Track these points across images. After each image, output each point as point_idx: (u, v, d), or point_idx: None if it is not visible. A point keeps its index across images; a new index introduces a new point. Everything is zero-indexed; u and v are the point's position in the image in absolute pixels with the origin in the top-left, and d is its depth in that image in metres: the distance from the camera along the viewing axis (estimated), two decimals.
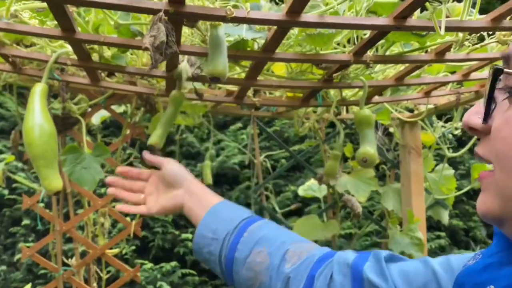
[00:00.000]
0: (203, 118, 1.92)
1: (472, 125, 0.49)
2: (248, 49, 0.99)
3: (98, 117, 2.04)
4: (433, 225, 3.90)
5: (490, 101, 0.47)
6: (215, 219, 0.88)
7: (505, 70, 0.45)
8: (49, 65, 0.94)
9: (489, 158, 0.48)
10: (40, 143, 0.88)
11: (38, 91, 0.90)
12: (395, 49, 1.09)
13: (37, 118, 0.88)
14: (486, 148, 0.48)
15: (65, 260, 1.94)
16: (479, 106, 0.49)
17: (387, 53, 1.06)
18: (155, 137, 1.07)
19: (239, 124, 3.92)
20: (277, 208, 2.26)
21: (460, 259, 0.62)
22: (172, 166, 1.00)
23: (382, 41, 1.03)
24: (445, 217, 2.12)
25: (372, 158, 1.14)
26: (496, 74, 0.45)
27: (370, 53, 1.02)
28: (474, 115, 0.49)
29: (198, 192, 0.96)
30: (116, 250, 2.07)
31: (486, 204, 0.47)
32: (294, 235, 0.85)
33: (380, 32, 0.88)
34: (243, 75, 1.21)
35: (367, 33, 0.97)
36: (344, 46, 1.07)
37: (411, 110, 1.89)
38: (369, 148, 1.14)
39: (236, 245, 0.82)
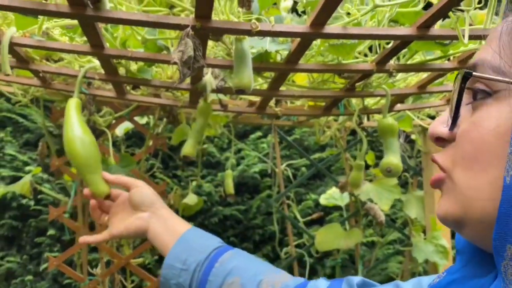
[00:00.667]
0: (224, 128, 1.94)
1: (439, 134, 0.49)
2: (271, 60, 1.01)
3: (121, 129, 2.08)
4: (455, 233, 3.84)
5: (459, 106, 0.47)
6: (184, 248, 0.83)
7: (474, 73, 0.45)
8: (79, 79, 0.97)
9: (447, 165, 0.48)
10: (82, 152, 0.92)
11: (73, 105, 0.94)
12: (417, 57, 1.10)
13: (76, 130, 0.92)
14: (446, 155, 0.49)
15: (90, 270, 1.97)
16: (444, 116, 0.50)
17: (409, 61, 1.07)
18: (188, 148, 1.09)
19: (259, 133, 3.94)
20: (299, 217, 2.26)
21: (431, 279, 0.63)
22: (140, 189, 0.93)
23: (404, 50, 1.04)
24: None
25: (396, 168, 1.14)
26: (466, 78, 0.46)
27: (392, 62, 1.03)
28: (440, 125, 0.50)
29: (166, 217, 0.90)
30: (140, 260, 2.10)
31: (445, 207, 0.48)
32: (266, 265, 0.82)
33: (403, 42, 0.89)
34: (265, 85, 1.22)
35: (390, 42, 0.98)
36: (366, 55, 1.08)
37: (433, 117, 1.88)
38: (393, 158, 1.14)
39: (207, 277, 0.79)
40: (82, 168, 0.93)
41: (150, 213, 0.90)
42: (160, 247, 0.87)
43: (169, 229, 0.88)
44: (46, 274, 3.65)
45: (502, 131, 0.43)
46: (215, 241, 0.87)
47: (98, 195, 0.95)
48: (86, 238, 0.98)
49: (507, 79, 0.43)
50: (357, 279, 0.72)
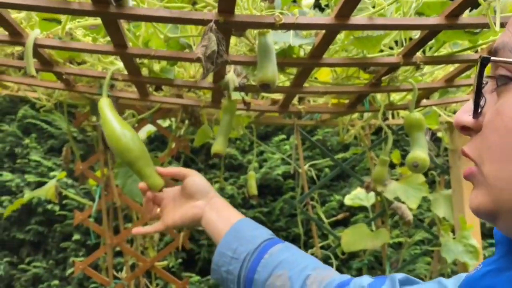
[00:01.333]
0: (246, 130, 1.92)
1: (464, 123, 0.48)
2: (294, 56, 0.99)
3: (144, 132, 2.09)
4: (485, 232, 3.76)
5: (479, 94, 0.46)
6: (236, 237, 0.85)
7: (492, 58, 0.44)
8: (107, 80, 0.98)
9: (475, 157, 0.47)
10: (134, 146, 0.92)
11: (105, 105, 0.94)
12: (444, 50, 1.07)
13: (119, 126, 0.92)
14: (474, 146, 0.47)
15: (115, 274, 1.98)
16: (469, 104, 0.48)
17: (437, 54, 1.04)
18: (218, 146, 1.08)
19: (281, 135, 3.92)
20: (323, 218, 2.23)
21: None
22: (195, 178, 0.96)
23: (430, 43, 1.01)
24: None
25: (423, 162, 1.10)
26: (484, 63, 0.44)
27: (419, 54, 1.00)
28: (465, 114, 0.48)
29: (219, 206, 0.93)
30: (164, 263, 2.10)
31: (478, 199, 0.47)
32: (315, 261, 0.82)
33: (431, 32, 0.86)
34: (287, 83, 1.21)
35: (416, 35, 0.95)
36: (392, 49, 1.06)
37: None
38: (420, 152, 1.11)
39: (256, 267, 0.80)
40: (138, 162, 0.93)
41: (205, 202, 0.92)
42: (213, 235, 0.90)
43: (223, 217, 0.90)
44: (71, 278, 3.69)
45: None
46: (265, 232, 0.88)
47: (154, 188, 0.96)
48: (139, 230, 1.01)
49: None
50: (400, 275, 0.71)
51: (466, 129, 0.48)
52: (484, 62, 0.44)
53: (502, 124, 0.43)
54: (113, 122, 0.92)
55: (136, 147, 0.92)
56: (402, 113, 1.73)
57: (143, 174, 0.94)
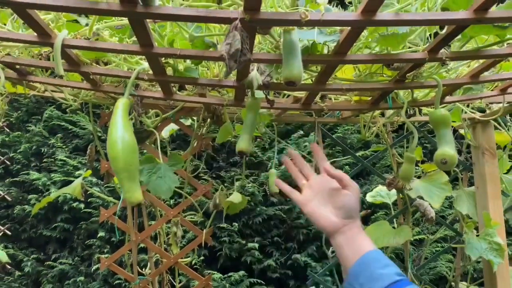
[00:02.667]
0: (266, 128, 1.93)
1: None
2: (318, 53, 0.99)
3: (167, 131, 2.11)
4: (508, 230, 3.70)
5: None
6: (364, 272, 0.85)
7: None
8: (132, 80, 0.99)
9: None
10: (123, 157, 0.91)
11: (121, 105, 0.94)
12: (469, 46, 1.05)
13: (120, 132, 0.92)
14: None
15: (140, 270, 2.01)
16: None
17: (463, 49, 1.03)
18: (243, 143, 1.09)
19: (301, 132, 3.92)
20: None
21: None
22: (355, 195, 0.93)
23: (456, 38, 1.00)
24: None
25: (452, 159, 1.09)
26: None
27: (444, 51, 0.99)
28: None
29: (356, 232, 0.90)
30: (187, 260, 2.12)
31: None
32: None
33: (458, 27, 0.85)
34: (309, 81, 1.21)
35: (442, 32, 0.94)
36: (416, 45, 1.05)
37: (481, 111, 1.81)
38: (448, 148, 1.10)
39: None
40: (122, 173, 0.92)
41: (346, 222, 0.90)
42: (341, 257, 0.90)
43: (355, 244, 0.89)
44: (97, 275, 3.75)
45: None
46: (394, 271, 0.85)
47: (132, 203, 0.94)
48: (278, 182, 1.05)
49: None
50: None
51: None
52: None
53: None
54: (117, 127, 0.92)
55: (125, 157, 0.91)
56: (425, 110, 1.71)
57: (123, 186, 0.93)
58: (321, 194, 0.95)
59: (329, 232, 0.91)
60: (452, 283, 2.21)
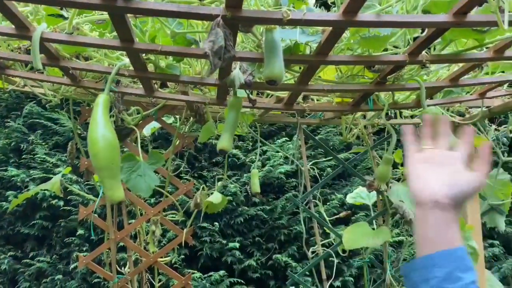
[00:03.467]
0: (249, 129, 1.93)
1: None
2: (300, 53, 0.99)
3: (148, 129, 2.10)
4: (485, 233, 3.77)
5: None
6: (443, 267, 0.73)
7: None
8: (112, 76, 0.97)
9: None
10: (104, 154, 0.90)
11: (101, 102, 0.93)
12: (450, 49, 1.07)
13: (101, 129, 0.91)
14: None
15: (118, 269, 1.98)
16: None
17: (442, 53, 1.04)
18: (224, 142, 1.08)
19: (284, 134, 3.93)
20: (325, 216, 2.23)
21: None
22: (480, 187, 0.77)
23: (436, 42, 1.01)
24: (501, 223, 2.03)
25: None
26: None
27: (424, 53, 1.00)
28: None
29: (451, 216, 0.75)
30: (167, 259, 2.10)
31: None
32: None
33: (438, 30, 0.86)
34: (292, 81, 1.21)
35: (422, 34, 0.95)
36: (397, 47, 1.06)
37: (461, 115, 1.84)
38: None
39: None
40: (103, 171, 0.91)
41: (448, 200, 0.74)
42: (419, 235, 0.76)
43: (447, 231, 0.74)
44: (75, 273, 3.71)
45: None
46: (471, 279, 0.74)
47: (113, 201, 0.93)
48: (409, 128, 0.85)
49: None
50: None
51: None
52: None
53: None
54: (97, 124, 0.91)
55: (106, 155, 0.90)
56: (406, 112, 1.73)
57: (104, 184, 0.93)
58: (441, 166, 0.78)
59: (422, 199, 0.76)
60: None
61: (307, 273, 3.14)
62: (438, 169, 0.78)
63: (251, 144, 4.00)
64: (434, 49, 1.07)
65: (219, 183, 2.09)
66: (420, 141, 0.83)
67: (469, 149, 0.81)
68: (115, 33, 0.98)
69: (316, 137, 3.74)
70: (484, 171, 0.77)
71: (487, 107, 1.64)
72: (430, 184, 0.76)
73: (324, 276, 2.16)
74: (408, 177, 0.80)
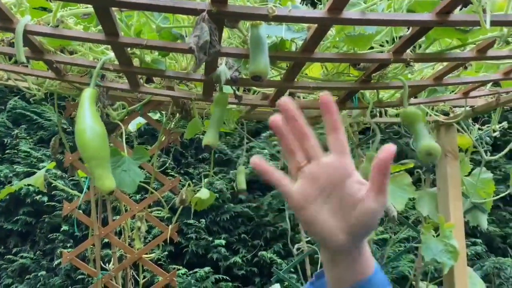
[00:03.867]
0: (236, 125, 1.93)
1: None
2: (286, 50, 1.00)
3: (134, 124, 2.08)
4: (468, 232, 3.82)
5: None
6: None
7: None
8: (97, 70, 0.97)
9: None
10: (92, 144, 0.90)
11: (87, 96, 0.93)
12: (434, 49, 1.08)
13: (88, 120, 0.91)
14: None
15: (103, 265, 1.97)
16: None
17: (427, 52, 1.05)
18: (209, 138, 1.08)
19: (271, 131, 3.93)
20: None
21: None
22: (382, 210, 0.56)
23: (421, 41, 1.02)
24: (483, 221, 2.05)
25: (436, 150, 1.11)
26: None
27: (409, 51, 1.01)
28: None
29: (360, 251, 0.61)
30: (152, 255, 2.10)
31: None
32: None
33: (422, 29, 0.87)
34: (279, 78, 1.21)
35: (406, 32, 0.96)
36: (382, 46, 1.06)
37: (445, 114, 1.86)
38: (429, 140, 1.12)
39: None
40: (91, 161, 0.91)
41: (353, 242, 0.59)
42: (331, 275, 0.64)
43: (356, 266, 0.62)
44: (59, 269, 3.68)
45: None
46: None
47: (103, 191, 0.93)
48: (259, 163, 0.58)
49: None
50: None
51: None
52: None
53: None
54: (84, 116, 0.91)
55: (93, 146, 0.90)
56: (393, 111, 1.74)
57: (94, 174, 0.93)
58: (328, 192, 0.58)
59: (329, 249, 0.61)
60: (413, 282, 2.26)
61: (292, 270, 3.15)
62: (330, 204, 0.58)
63: (238, 140, 4.00)
64: (419, 48, 1.09)
65: (206, 180, 2.09)
66: (290, 158, 0.59)
67: (339, 136, 0.57)
68: (100, 27, 0.98)
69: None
70: (384, 192, 0.56)
71: (470, 106, 1.66)
72: (331, 232, 0.58)
73: (309, 273, 2.17)
74: (306, 227, 0.60)
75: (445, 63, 1.16)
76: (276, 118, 0.58)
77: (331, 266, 0.62)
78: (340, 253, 0.60)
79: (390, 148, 0.54)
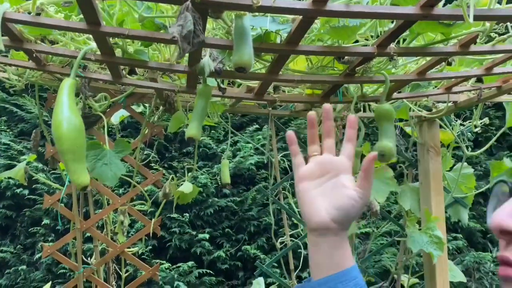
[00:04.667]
0: (221, 119, 1.92)
1: (509, 228, 0.45)
2: (271, 42, 0.99)
3: (117, 117, 2.06)
4: (449, 227, 3.87)
5: None
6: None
7: None
8: (78, 60, 0.95)
9: None
10: (69, 137, 0.88)
11: (66, 86, 0.90)
12: (418, 44, 1.08)
13: (65, 112, 0.88)
14: None
15: (85, 259, 1.95)
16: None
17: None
18: (192, 130, 1.06)
19: (255, 126, 3.93)
20: (294, 208, 2.25)
21: None
22: (364, 203, 0.73)
23: (405, 35, 1.03)
24: (464, 216, 2.09)
25: (390, 152, 1.12)
26: None
27: (393, 45, 1.01)
28: (509, 217, 0.45)
29: (339, 239, 0.73)
30: (135, 249, 2.08)
31: None
32: None
33: (406, 23, 0.87)
34: (263, 71, 1.21)
35: (391, 26, 0.96)
36: (367, 39, 1.07)
37: (428, 109, 1.88)
38: (387, 142, 1.13)
39: None
40: (67, 154, 0.89)
41: (335, 226, 0.72)
42: (312, 259, 0.75)
43: (334, 254, 0.73)
44: (40, 264, 3.63)
45: None
46: None
47: (78, 185, 0.91)
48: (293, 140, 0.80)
49: None
50: None
51: (507, 234, 0.45)
52: None
53: None
54: (62, 107, 0.89)
55: (70, 138, 0.88)
56: (373, 105, 1.75)
57: (68, 168, 0.90)
58: (326, 178, 0.74)
59: (312, 225, 0.73)
60: (395, 276, 2.28)
61: (275, 264, 3.16)
62: (323, 187, 0.74)
63: (222, 134, 3.99)
64: (403, 42, 1.09)
65: (189, 174, 2.08)
66: (309, 146, 0.79)
67: (352, 146, 0.76)
68: (81, 16, 0.96)
69: (287, 129, 3.77)
70: (366, 187, 0.71)
71: (453, 102, 1.67)
72: (318, 210, 0.72)
73: (292, 267, 2.18)
74: (299, 200, 0.75)
75: (428, 58, 1.16)
76: (313, 113, 0.78)
77: (314, 251, 0.74)
78: (323, 235, 0.72)
79: (372, 156, 0.72)
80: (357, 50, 1.00)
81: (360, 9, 0.79)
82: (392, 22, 0.98)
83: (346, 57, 1.09)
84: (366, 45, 1.04)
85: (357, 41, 1.09)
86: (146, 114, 1.84)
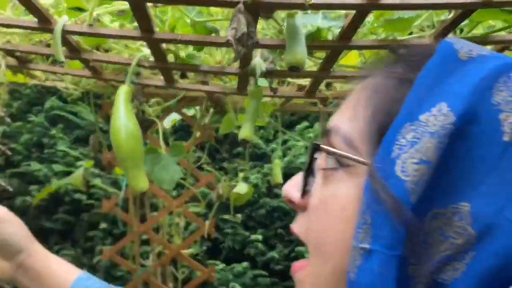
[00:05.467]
0: (270, 118, 1.91)
1: (291, 198, 0.43)
2: (322, 39, 0.97)
3: (169, 121, 2.10)
4: None
5: (307, 176, 0.41)
6: None
7: (322, 146, 0.40)
8: (133, 66, 0.97)
9: (305, 239, 0.42)
10: (127, 144, 0.90)
11: (123, 93, 0.92)
12: (477, 32, 1.03)
13: (123, 120, 0.91)
14: (303, 226, 0.42)
15: (142, 261, 2.00)
16: (299, 177, 0.43)
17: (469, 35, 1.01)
18: (245, 131, 1.07)
19: (305, 123, 3.90)
20: None
21: None
22: (17, 222, 0.71)
23: (462, 24, 0.98)
24: None
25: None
26: (315, 149, 0.40)
27: (451, 35, 0.97)
28: (294, 188, 0.43)
29: (42, 258, 0.73)
30: (190, 251, 2.12)
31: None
32: None
33: (464, 12, 0.83)
34: (314, 68, 1.19)
35: (449, 16, 0.92)
36: (423, 30, 1.03)
37: None
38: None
39: None
40: (126, 161, 0.92)
41: (21, 257, 0.71)
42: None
43: (49, 276, 0.73)
44: (99, 267, 3.75)
45: (349, 216, 0.36)
46: None
47: (137, 191, 0.94)
48: None
49: (355, 157, 0.37)
50: None
51: (292, 203, 0.43)
52: (316, 148, 0.40)
53: (325, 216, 0.39)
54: (119, 114, 0.91)
55: (128, 145, 0.90)
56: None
57: (127, 174, 0.93)
58: None
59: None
60: None
61: None
62: None
63: (272, 133, 3.99)
64: (461, 32, 1.04)
65: (241, 175, 2.08)
66: None
67: None
68: (135, 24, 0.98)
69: None
70: None
71: None
72: None
73: None
74: None
75: (489, 47, 1.11)
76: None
77: None
78: (19, 273, 0.71)
79: None
80: (414, 42, 0.97)
81: (415, 1, 0.76)
82: (449, 11, 0.93)
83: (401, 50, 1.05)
84: (423, 37, 1.00)
85: (411, 33, 1.05)
86: (197, 117, 1.86)
